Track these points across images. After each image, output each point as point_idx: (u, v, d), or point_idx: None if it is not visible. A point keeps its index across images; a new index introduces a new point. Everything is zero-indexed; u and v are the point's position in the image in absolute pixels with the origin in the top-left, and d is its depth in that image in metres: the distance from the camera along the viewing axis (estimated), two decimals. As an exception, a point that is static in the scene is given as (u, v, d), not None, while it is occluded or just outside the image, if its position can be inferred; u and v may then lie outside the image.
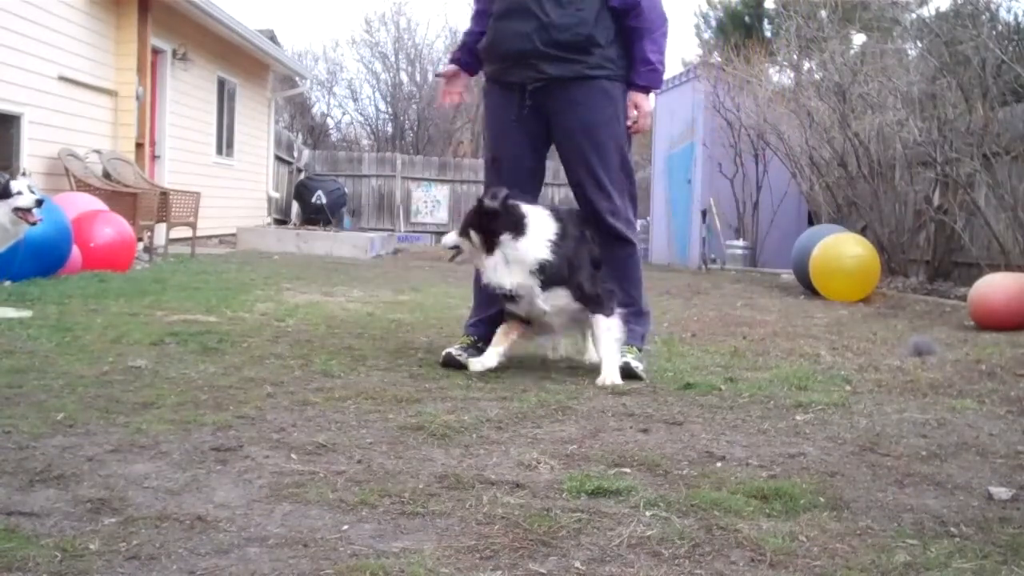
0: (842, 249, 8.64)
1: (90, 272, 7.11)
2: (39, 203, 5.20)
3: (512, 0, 3.98)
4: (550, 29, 3.90)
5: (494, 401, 3.37)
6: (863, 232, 10.17)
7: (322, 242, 13.88)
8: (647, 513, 2.18)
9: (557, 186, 21.85)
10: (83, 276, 6.92)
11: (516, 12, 3.97)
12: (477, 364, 3.90)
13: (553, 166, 4.74)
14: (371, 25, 29.17)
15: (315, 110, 29.87)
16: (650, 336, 4.36)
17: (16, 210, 5.11)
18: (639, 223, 17.57)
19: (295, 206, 19.16)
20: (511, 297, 3.84)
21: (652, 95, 4.18)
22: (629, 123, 4.03)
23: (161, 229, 10.62)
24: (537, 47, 3.92)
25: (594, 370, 3.92)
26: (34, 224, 5.32)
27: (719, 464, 2.63)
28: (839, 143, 11.12)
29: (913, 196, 10.23)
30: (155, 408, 3.05)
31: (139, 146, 11.04)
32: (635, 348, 4.06)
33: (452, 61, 4.38)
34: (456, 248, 4.03)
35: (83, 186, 9.12)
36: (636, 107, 4.01)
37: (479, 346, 4.09)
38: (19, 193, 5.14)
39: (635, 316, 4.14)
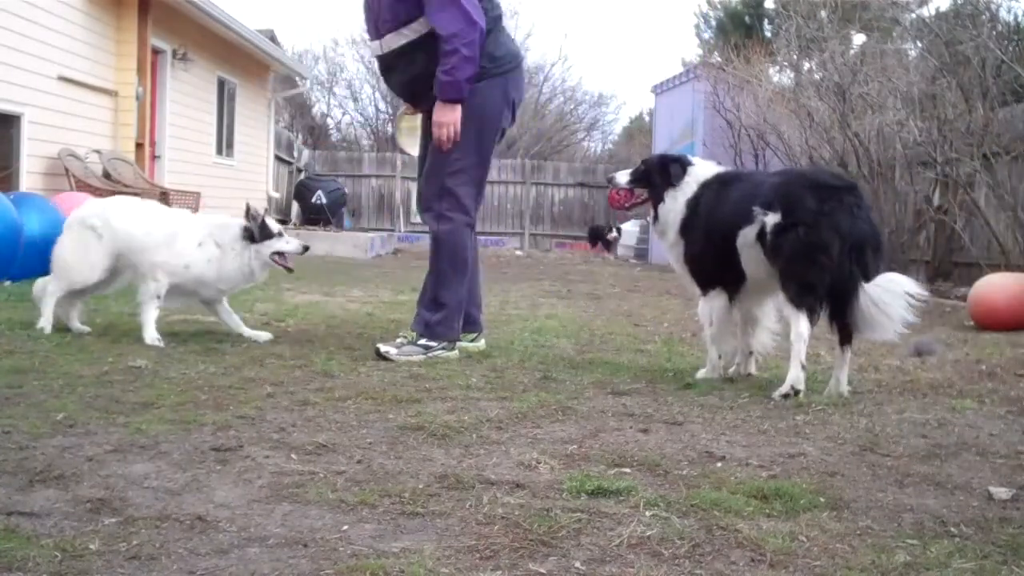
0: (842, 249, 8.61)
1: (90, 272, 7.10)
2: (306, 249, 4.62)
3: None
4: None
5: (494, 401, 3.37)
6: (863, 232, 10.15)
7: (322, 242, 13.87)
8: (647, 513, 2.18)
9: (557, 186, 21.91)
10: (83, 276, 6.91)
11: None
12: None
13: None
14: (371, 25, 29.04)
15: (315, 110, 29.85)
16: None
17: (275, 254, 4.50)
18: (636, 223, 17.52)
19: (295, 206, 19.15)
20: None
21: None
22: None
23: (161, 229, 10.60)
24: None
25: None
26: (290, 271, 4.69)
27: (719, 464, 2.63)
28: (839, 143, 11.12)
29: (913, 196, 10.23)
30: (155, 408, 3.05)
31: (139, 146, 11.04)
32: (412, 332, 4.33)
33: None
34: None
35: (83, 186, 9.12)
36: None
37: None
38: (280, 235, 4.53)
39: (428, 303, 4.36)
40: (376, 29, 4.28)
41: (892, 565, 1.91)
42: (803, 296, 3.51)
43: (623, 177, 4.15)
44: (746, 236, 3.64)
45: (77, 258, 4.53)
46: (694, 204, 3.89)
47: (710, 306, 3.88)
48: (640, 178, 4.09)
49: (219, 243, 4.50)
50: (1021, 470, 2.68)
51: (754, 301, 3.94)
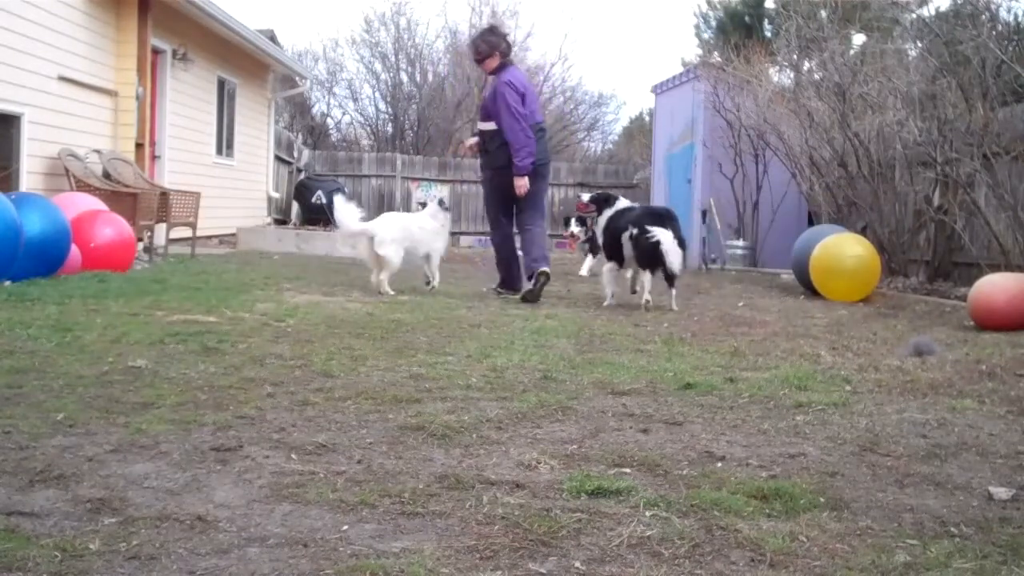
0: (842, 249, 8.63)
1: (90, 272, 7.10)
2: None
3: None
4: None
5: (494, 401, 3.37)
6: (863, 232, 10.16)
7: (322, 242, 13.86)
8: (647, 513, 2.18)
9: (557, 186, 21.94)
10: (83, 276, 6.91)
11: None
12: None
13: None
14: (371, 25, 28.97)
15: (315, 110, 29.80)
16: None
17: (440, 202, 7.89)
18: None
19: (295, 206, 19.13)
20: None
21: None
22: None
23: (161, 229, 10.61)
24: None
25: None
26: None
27: (719, 464, 2.63)
28: (839, 143, 11.11)
29: (913, 196, 10.22)
30: (155, 408, 3.05)
31: (139, 146, 11.03)
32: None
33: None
34: None
35: (83, 186, 9.11)
36: None
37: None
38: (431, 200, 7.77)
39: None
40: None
41: (892, 565, 1.91)
42: (645, 266, 7.00)
43: (585, 196, 7.95)
44: (625, 238, 7.11)
45: None
46: (609, 220, 7.39)
47: (609, 268, 7.37)
48: (593, 200, 7.83)
49: None
50: (1021, 470, 2.68)
51: (634, 269, 7.29)
